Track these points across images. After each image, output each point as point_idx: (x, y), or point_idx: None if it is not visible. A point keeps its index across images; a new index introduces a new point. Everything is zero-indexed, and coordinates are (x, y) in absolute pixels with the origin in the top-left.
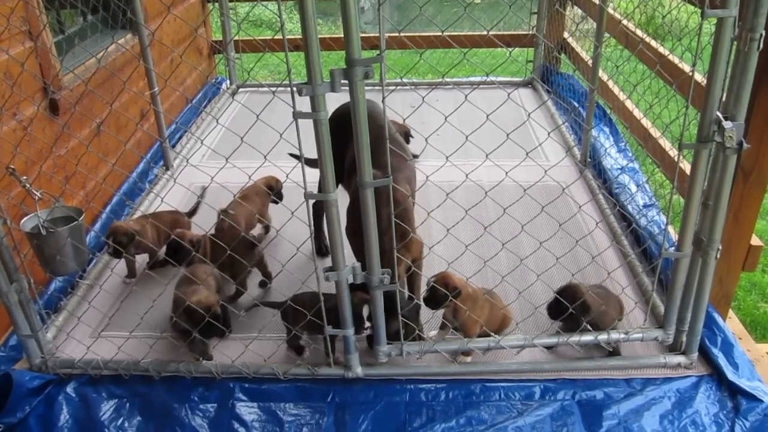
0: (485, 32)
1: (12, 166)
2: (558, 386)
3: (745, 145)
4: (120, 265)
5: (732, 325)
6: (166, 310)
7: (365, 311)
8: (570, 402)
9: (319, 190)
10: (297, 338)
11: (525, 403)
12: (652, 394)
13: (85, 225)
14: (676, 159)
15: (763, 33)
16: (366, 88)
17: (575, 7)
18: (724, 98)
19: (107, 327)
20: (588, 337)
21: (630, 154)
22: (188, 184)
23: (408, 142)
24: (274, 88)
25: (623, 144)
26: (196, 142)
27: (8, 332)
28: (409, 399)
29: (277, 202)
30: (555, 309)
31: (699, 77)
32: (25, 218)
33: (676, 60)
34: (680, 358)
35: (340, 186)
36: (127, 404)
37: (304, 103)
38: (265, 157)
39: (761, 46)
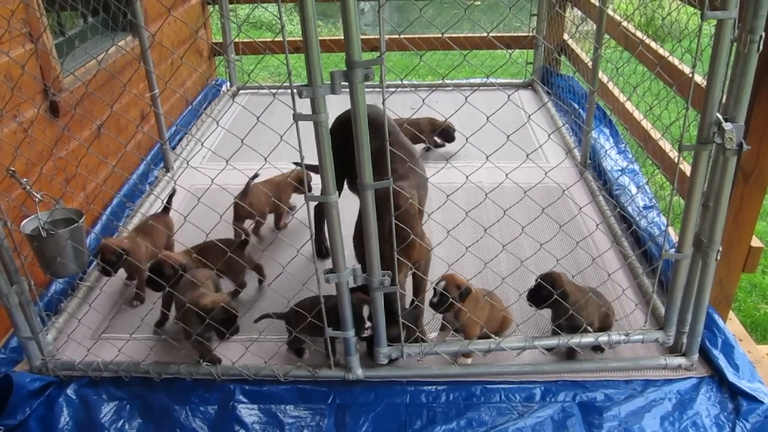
0: (485, 34)
1: (12, 168)
2: (558, 388)
3: (745, 146)
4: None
5: (732, 326)
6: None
7: (365, 311)
8: (570, 403)
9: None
10: (298, 341)
11: (525, 405)
12: (653, 396)
13: (86, 227)
14: (676, 160)
15: (763, 35)
16: (366, 90)
17: (575, 9)
18: (724, 100)
19: (107, 329)
20: (588, 339)
21: (630, 156)
22: (188, 185)
23: (452, 139)
24: (274, 90)
25: (623, 145)
26: (196, 144)
27: (9, 334)
28: (410, 401)
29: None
30: (534, 295)
31: (699, 79)
32: (26, 220)
33: (676, 61)
34: (681, 360)
35: (348, 191)
36: (128, 406)
37: (304, 105)
38: (265, 159)
39: (761, 47)
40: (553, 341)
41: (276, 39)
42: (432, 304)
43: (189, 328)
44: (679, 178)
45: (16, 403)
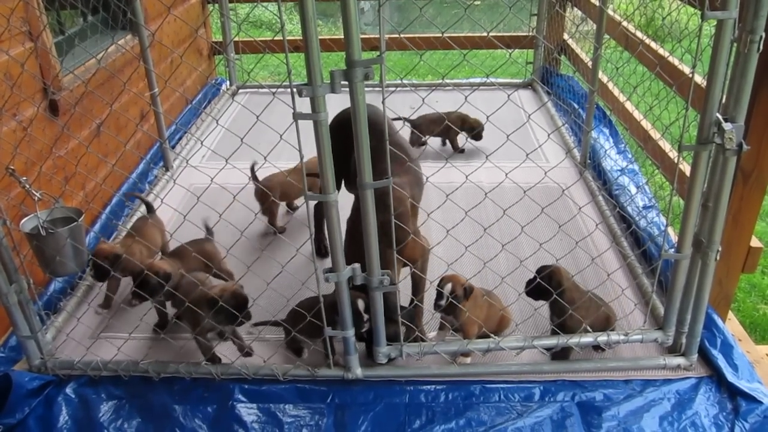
0: (485, 34)
1: (12, 167)
2: (557, 387)
3: (744, 146)
4: None
5: (732, 326)
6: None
7: (361, 305)
8: (569, 403)
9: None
10: (296, 340)
11: (524, 405)
12: (652, 396)
13: (85, 226)
14: (675, 160)
15: (763, 35)
16: (366, 89)
17: (575, 9)
18: (724, 100)
19: (107, 328)
20: (587, 339)
21: (630, 156)
22: (188, 185)
23: (479, 138)
24: (274, 89)
25: (623, 145)
26: (195, 143)
27: (8, 333)
28: (409, 400)
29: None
30: (532, 286)
31: (699, 79)
32: (25, 219)
33: (676, 62)
34: (680, 360)
35: (343, 189)
36: (127, 405)
37: (304, 104)
38: (265, 158)
39: (761, 48)
40: (552, 341)
41: (276, 38)
42: (439, 307)
43: (199, 324)
44: (678, 178)
45: (15, 402)
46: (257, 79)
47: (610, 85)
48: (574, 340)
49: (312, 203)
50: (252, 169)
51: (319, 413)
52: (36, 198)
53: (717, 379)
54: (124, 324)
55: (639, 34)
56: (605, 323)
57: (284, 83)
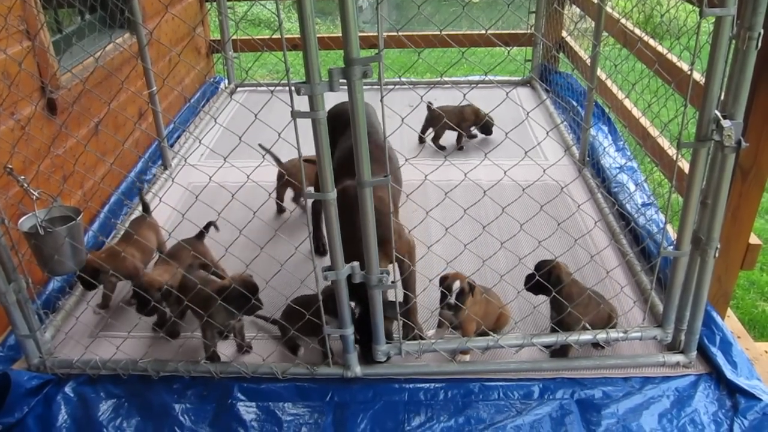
0: (484, 31)
1: (10, 166)
2: (557, 385)
3: (743, 143)
4: None
5: (731, 323)
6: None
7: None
8: (569, 401)
9: (317, 189)
10: (292, 338)
11: (524, 402)
12: (651, 393)
13: (83, 224)
14: (674, 158)
15: (762, 32)
16: (364, 87)
17: (573, 6)
18: (722, 97)
19: (105, 327)
20: (586, 336)
21: (628, 153)
22: (186, 183)
23: (490, 132)
24: (272, 88)
25: (622, 143)
26: (194, 142)
27: (6, 332)
28: (408, 398)
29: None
30: (531, 282)
31: (697, 76)
32: (23, 218)
33: (674, 59)
34: (679, 357)
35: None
36: (126, 404)
37: (302, 103)
38: (263, 156)
39: (759, 44)
40: (551, 339)
41: (274, 36)
42: (449, 306)
43: (214, 320)
44: (677, 175)
45: (14, 401)
46: (255, 77)
47: (609, 83)
48: (573, 337)
49: (310, 201)
50: (273, 154)
51: (319, 411)
52: (34, 197)
53: (716, 376)
54: (123, 323)
55: (637, 31)
56: (606, 321)
57: (282, 81)
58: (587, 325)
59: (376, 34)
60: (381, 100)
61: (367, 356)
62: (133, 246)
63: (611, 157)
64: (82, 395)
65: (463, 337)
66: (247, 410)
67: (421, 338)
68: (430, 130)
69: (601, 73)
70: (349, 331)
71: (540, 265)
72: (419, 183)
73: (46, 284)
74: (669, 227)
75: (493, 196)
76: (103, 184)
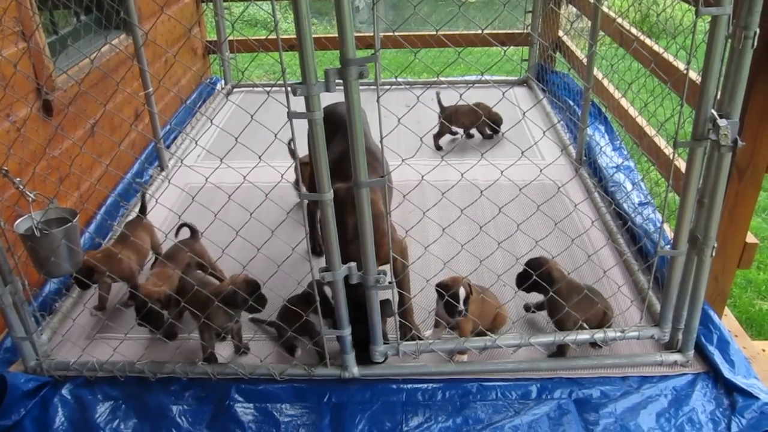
0: (480, 31)
1: (5, 168)
2: (555, 385)
3: (739, 142)
4: None
5: (728, 322)
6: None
7: (329, 292)
8: (567, 400)
9: (312, 189)
10: (290, 339)
11: (522, 402)
12: (649, 392)
13: (80, 226)
14: (671, 157)
15: (758, 31)
16: (361, 87)
17: (570, 6)
18: (718, 96)
19: (102, 329)
20: (584, 336)
21: (625, 153)
22: (183, 184)
23: (498, 130)
24: (268, 88)
25: (618, 142)
26: (190, 143)
27: (3, 334)
28: (406, 399)
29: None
30: (522, 278)
31: (694, 75)
32: (19, 220)
33: (670, 58)
34: (676, 356)
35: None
36: (123, 406)
37: (298, 103)
38: (259, 157)
39: (755, 44)
40: (549, 338)
41: (270, 37)
42: (459, 313)
43: (212, 322)
44: (674, 174)
45: (11, 404)
46: (252, 78)
47: (606, 82)
48: (570, 337)
49: (306, 202)
50: (289, 146)
51: (316, 412)
52: (30, 199)
53: (713, 375)
54: (120, 324)
55: (634, 30)
56: (601, 318)
57: (279, 82)
58: (583, 324)
59: (372, 34)
60: (377, 101)
61: (364, 357)
62: (129, 248)
63: (608, 157)
64: (79, 397)
65: (461, 337)
66: (245, 411)
67: (419, 339)
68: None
69: (597, 73)
70: (346, 331)
71: (531, 264)
72: (416, 183)
73: (43, 286)
74: (666, 226)
75: (490, 196)
76: (99, 185)
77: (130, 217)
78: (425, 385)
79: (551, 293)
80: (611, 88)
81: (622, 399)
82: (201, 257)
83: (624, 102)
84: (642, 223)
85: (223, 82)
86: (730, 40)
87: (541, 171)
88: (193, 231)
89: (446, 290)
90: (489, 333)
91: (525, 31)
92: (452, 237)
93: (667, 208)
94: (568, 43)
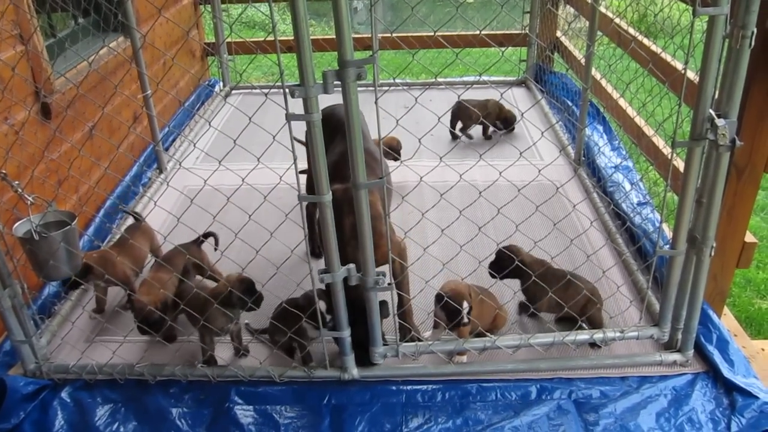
0: (478, 32)
1: (4, 171)
2: (554, 385)
3: (737, 142)
4: None
5: (727, 322)
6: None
7: (322, 306)
8: (566, 401)
9: (311, 191)
10: (288, 341)
11: (521, 403)
12: (648, 392)
13: (79, 229)
14: (669, 157)
15: (755, 30)
16: (359, 89)
17: (568, 6)
18: (716, 96)
19: (102, 331)
20: (583, 336)
21: (624, 153)
22: (181, 187)
23: (512, 129)
24: (267, 90)
25: (617, 142)
26: (189, 145)
27: (2, 338)
28: (406, 400)
29: (396, 159)
30: (495, 266)
31: (691, 75)
32: (18, 223)
33: (668, 58)
34: (676, 356)
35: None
36: (123, 409)
37: (297, 105)
38: (258, 159)
39: (753, 43)
40: (548, 339)
41: (268, 38)
42: (465, 324)
43: (211, 324)
44: (672, 174)
45: (11, 407)
46: (251, 79)
47: (604, 82)
48: (570, 337)
49: (303, 203)
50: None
51: (316, 414)
52: (29, 202)
53: (713, 374)
54: (119, 327)
55: (631, 30)
56: (587, 303)
57: (277, 84)
58: (584, 323)
59: (370, 35)
60: (376, 102)
61: (364, 357)
62: (125, 252)
63: (606, 157)
64: (79, 400)
65: (460, 338)
66: (245, 414)
67: (418, 340)
68: (459, 123)
69: (595, 73)
70: (346, 333)
71: (503, 251)
72: (415, 184)
73: (42, 289)
74: (665, 226)
75: (489, 196)
76: (98, 188)
77: (130, 222)
78: (425, 387)
79: (526, 277)
80: (609, 88)
81: (622, 399)
82: (201, 261)
83: (622, 102)
84: (641, 223)
85: (221, 84)
86: (727, 40)
87: (539, 171)
88: (200, 237)
89: (442, 300)
90: (488, 334)
91: (523, 31)
92: (451, 238)
93: (665, 208)
94: (566, 43)
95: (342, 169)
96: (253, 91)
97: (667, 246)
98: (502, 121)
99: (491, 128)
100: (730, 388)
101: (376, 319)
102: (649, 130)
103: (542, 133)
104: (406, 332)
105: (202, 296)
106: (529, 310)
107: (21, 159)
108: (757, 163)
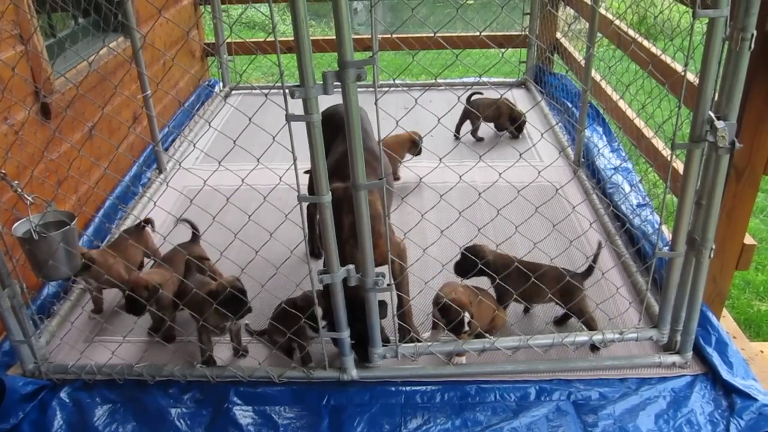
0: (478, 33)
1: (3, 171)
2: (553, 387)
3: (737, 144)
4: None
5: (726, 323)
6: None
7: (318, 312)
8: (565, 402)
9: (311, 192)
10: (287, 341)
11: (520, 404)
12: (647, 394)
13: (78, 229)
14: (669, 159)
15: (755, 32)
16: (359, 89)
17: (567, 8)
18: (716, 98)
19: (101, 331)
20: (583, 338)
21: (623, 154)
22: (181, 187)
23: (520, 131)
24: (266, 91)
25: (616, 144)
26: (189, 146)
27: (1, 338)
28: (405, 401)
29: (417, 154)
30: (460, 266)
31: (691, 77)
32: (17, 223)
33: (668, 60)
34: (675, 358)
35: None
36: (122, 409)
37: (296, 106)
38: (257, 159)
39: (752, 45)
40: (547, 340)
41: (268, 39)
42: (467, 334)
43: (205, 321)
44: (672, 176)
45: (9, 407)
46: (251, 80)
47: (603, 84)
48: (569, 338)
49: (303, 204)
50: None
51: (315, 415)
52: (28, 202)
53: (712, 376)
54: (118, 327)
55: (631, 32)
56: (568, 291)
57: (277, 84)
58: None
59: (370, 36)
60: (375, 103)
61: (363, 355)
62: (119, 254)
63: (606, 159)
64: (78, 400)
65: (459, 339)
66: (244, 414)
67: (417, 341)
68: (467, 123)
69: (595, 75)
70: (345, 334)
71: (469, 251)
72: (414, 185)
73: (41, 289)
74: (664, 228)
75: (489, 198)
76: (97, 188)
77: (129, 225)
78: (424, 388)
79: (493, 274)
80: (609, 90)
81: (621, 400)
82: (200, 260)
83: (622, 104)
84: (640, 224)
85: (221, 84)
86: (727, 42)
87: (539, 173)
88: (194, 234)
89: (448, 313)
90: (487, 335)
91: (523, 33)
92: (451, 239)
93: (665, 210)
94: (566, 44)
95: (343, 168)
96: (253, 91)
97: (667, 248)
98: (512, 121)
99: (503, 132)
100: (729, 390)
101: (375, 320)
102: (648, 132)
103: (542, 134)
104: (406, 333)
105: (199, 295)
106: (528, 311)
107: (21, 159)
108: (757, 165)
